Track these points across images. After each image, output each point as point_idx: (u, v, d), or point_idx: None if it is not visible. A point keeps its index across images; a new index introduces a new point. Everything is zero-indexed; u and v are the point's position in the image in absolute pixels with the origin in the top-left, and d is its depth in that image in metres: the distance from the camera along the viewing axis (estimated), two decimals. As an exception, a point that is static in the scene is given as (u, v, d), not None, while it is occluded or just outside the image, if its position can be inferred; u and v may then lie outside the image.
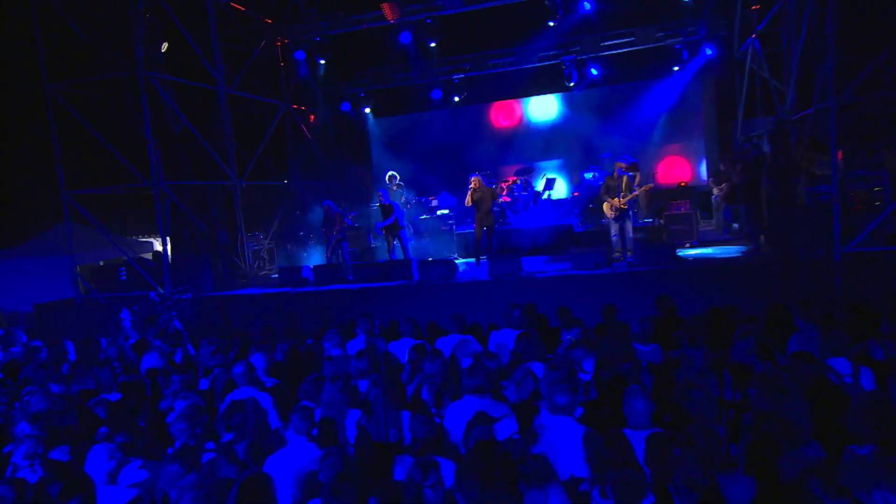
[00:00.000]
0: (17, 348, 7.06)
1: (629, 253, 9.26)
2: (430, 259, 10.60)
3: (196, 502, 2.66)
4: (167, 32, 10.71)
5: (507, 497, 2.55)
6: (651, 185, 11.68)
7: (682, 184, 13.89)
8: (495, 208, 11.17)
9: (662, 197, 12.65)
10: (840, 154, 8.52)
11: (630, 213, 9.57)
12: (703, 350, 4.41)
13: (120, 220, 11.04)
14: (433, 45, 12.98)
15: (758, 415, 3.17)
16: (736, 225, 11.04)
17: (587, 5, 11.84)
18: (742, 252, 9.10)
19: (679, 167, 14.69)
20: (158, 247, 15.39)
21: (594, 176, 13.15)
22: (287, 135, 14.04)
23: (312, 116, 15.07)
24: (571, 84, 14.27)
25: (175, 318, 6.93)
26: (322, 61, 13.79)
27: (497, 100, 15.73)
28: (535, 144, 15.36)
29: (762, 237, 9.10)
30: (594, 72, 14.02)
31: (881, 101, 8.40)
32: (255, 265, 12.32)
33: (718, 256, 9.10)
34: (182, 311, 7.62)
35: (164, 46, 10.48)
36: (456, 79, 14.85)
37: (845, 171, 8.62)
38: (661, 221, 11.05)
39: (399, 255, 10.77)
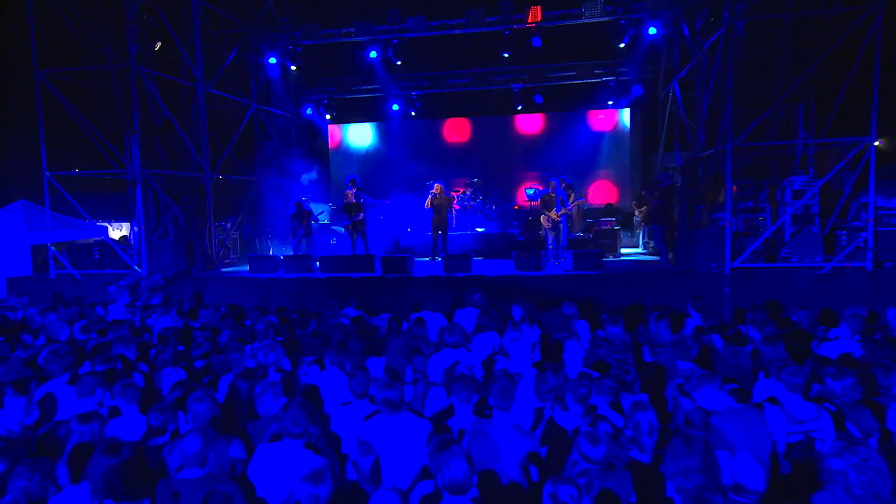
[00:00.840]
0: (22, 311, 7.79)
1: (562, 259, 10.86)
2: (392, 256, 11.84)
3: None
4: (157, 31, 11.51)
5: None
6: (583, 199, 13.38)
7: (610, 204, 15.75)
8: (454, 208, 12.55)
9: (592, 215, 14.44)
10: (735, 188, 10.46)
11: (563, 225, 11.19)
12: (622, 327, 5.91)
13: (83, 205, 11.63)
14: (398, 63, 14.28)
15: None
16: (652, 242, 12.90)
17: (536, 42, 13.50)
18: (654, 263, 10.89)
19: (607, 190, 16.57)
20: (115, 234, 15.84)
21: (534, 192, 14.77)
22: (254, 133, 14.93)
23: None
24: (518, 108, 15.94)
25: (155, 296, 7.89)
26: (292, 67, 14.81)
27: (450, 116, 17.15)
28: (483, 160, 16.89)
29: (671, 253, 10.93)
30: (539, 100, 15.74)
31: (769, 146, 10.37)
32: (220, 253, 13.16)
33: (635, 266, 10.84)
34: (160, 290, 8.56)
35: (158, 46, 11.28)
36: (415, 94, 16.20)
37: (738, 203, 10.56)
38: (591, 235, 12.79)
39: (361, 250, 11.97)
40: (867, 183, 9.11)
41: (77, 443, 3.25)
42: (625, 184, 16.48)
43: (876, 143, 9.10)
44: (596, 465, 3.01)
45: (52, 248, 11.38)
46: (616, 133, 16.40)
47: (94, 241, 12.32)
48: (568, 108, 16.31)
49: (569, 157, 16.03)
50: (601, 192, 16.58)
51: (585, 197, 15.83)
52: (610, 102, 15.63)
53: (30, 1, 10.68)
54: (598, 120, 16.41)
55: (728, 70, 9.42)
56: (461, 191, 14.80)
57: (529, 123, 16.83)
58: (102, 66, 10.86)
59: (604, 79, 15.28)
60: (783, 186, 10.23)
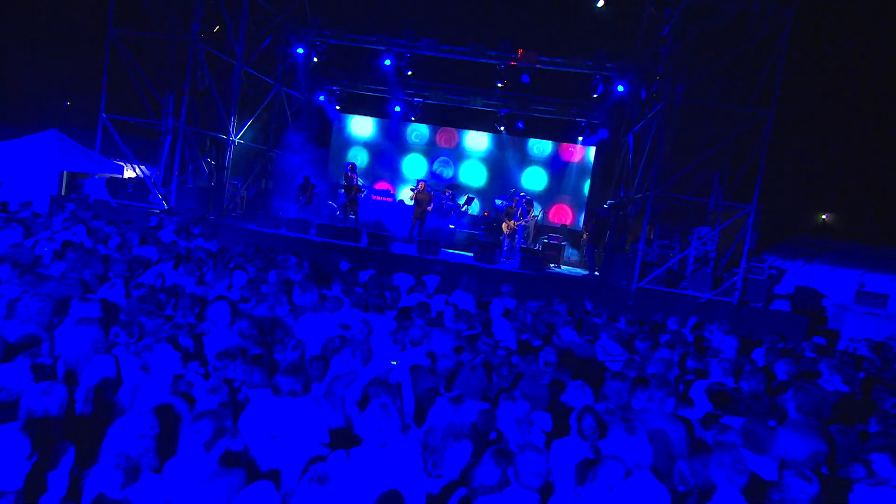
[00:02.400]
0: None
1: (512, 259, 13.45)
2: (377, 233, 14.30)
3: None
4: (213, 13, 13.75)
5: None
6: (537, 216, 16.00)
7: (564, 225, 18.41)
8: (428, 208, 15.03)
9: (547, 231, 17.09)
10: (656, 228, 13.21)
11: (519, 233, 13.79)
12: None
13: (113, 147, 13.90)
14: (408, 73, 16.72)
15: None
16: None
17: (524, 79, 16.11)
18: (583, 274, 13.57)
19: (565, 213, 19.23)
20: (128, 173, 17.92)
21: (501, 203, 17.36)
22: (273, 109, 17.18)
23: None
24: (501, 129, 18.54)
25: (195, 228, 10.19)
26: (315, 59, 17.13)
27: (444, 125, 19.60)
28: (465, 168, 19.40)
29: (597, 268, 13.63)
30: (520, 125, 18.36)
31: (687, 199, 13.14)
32: (230, 206, 15.41)
33: (568, 274, 13.51)
34: (197, 225, 10.88)
35: (217, 28, 13.54)
36: (416, 101, 18.65)
37: (658, 240, 13.30)
38: (540, 246, 15.44)
39: (352, 224, 14.38)
40: (770, 241, 11.96)
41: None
42: (580, 210, 19.16)
43: (823, 217, 12.00)
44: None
45: (98, 177, 13.50)
46: (581, 165, 19.08)
47: (130, 177, 14.46)
48: (544, 136, 18.94)
49: (538, 177, 18.66)
50: (560, 213, 19.21)
51: (546, 216, 18.47)
52: (580, 139, 18.30)
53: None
54: (568, 152, 19.06)
55: (660, 136, 12.15)
56: (446, 192, 17.30)
57: (509, 143, 19.39)
58: (168, 35, 13.06)
59: (577, 119, 17.95)
60: (693, 233, 13.03)
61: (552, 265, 14.72)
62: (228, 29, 14.09)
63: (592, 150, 18.88)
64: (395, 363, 4.52)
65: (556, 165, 19.06)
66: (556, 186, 19.13)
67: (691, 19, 12.10)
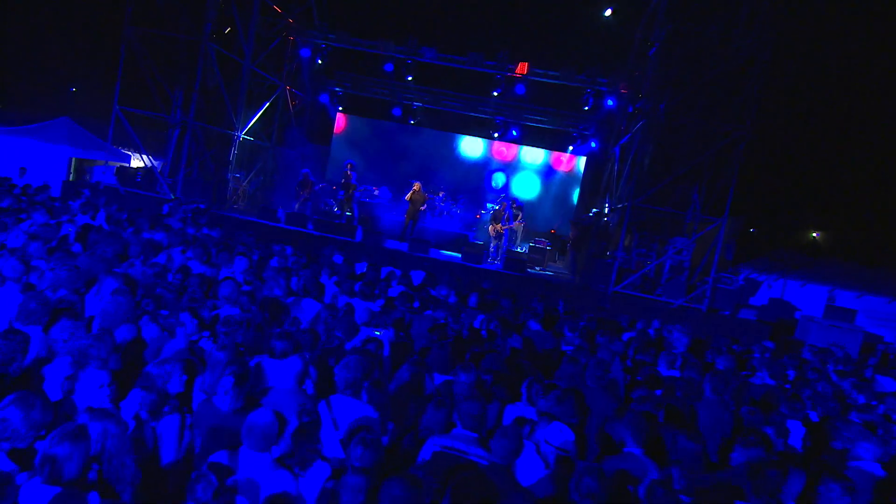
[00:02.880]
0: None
1: (498, 261, 14.19)
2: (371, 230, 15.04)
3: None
4: (223, 13, 14.48)
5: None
6: (523, 223, 16.74)
7: (552, 231, 19.17)
8: (422, 208, 15.75)
9: (534, 235, 17.82)
10: (636, 236, 13.98)
11: (506, 236, 14.53)
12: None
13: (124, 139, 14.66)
14: (408, 78, 17.47)
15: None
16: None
17: (519, 90, 16.88)
18: (564, 277, 14.32)
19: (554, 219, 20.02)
20: (135, 163, 18.63)
21: (491, 207, 18.09)
22: (277, 108, 17.91)
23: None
24: (496, 135, 19.29)
25: (201, 218, 10.91)
26: (319, 61, 17.86)
27: (441, 130, 20.34)
28: (461, 171, 20.14)
29: (577, 273, 14.38)
30: (514, 133, 19.13)
31: (666, 211, 13.91)
32: (232, 199, 16.13)
33: (549, 277, 14.27)
34: (204, 214, 11.60)
35: (227, 30, 14.27)
36: (415, 105, 19.39)
37: (637, 248, 14.06)
38: (527, 249, 16.19)
39: (347, 220, 15.10)
40: (749, 253, 12.72)
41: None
42: (568, 216, 19.90)
43: (813, 235, 12.82)
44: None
45: (109, 165, 14.21)
46: (571, 174, 19.84)
47: (138, 167, 15.17)
48: (537, 144, 19.70)
49: (529, 183, 19.42)
50: (549, 219, 19.98)
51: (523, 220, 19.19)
52: (570, 149, 19.09)
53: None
54: (560, 161, 19.83)
55: (641, 150, 12.91)
56: (439, 194, 18.04)
57: (505, 150, 20.17)
58: (181, 34, 13.78)
59: (569, 129, 18.72)
60: (669, 243, 13.79)
61: (538, 268, 15.47)
62: (238, 30, 14.82)
63: (583, 161, 19.64)
64: (378, 333, 5.24)
65: (547, 172, 19.82)
66: (547, 193, 19.89)
67: (676, 41, 12.88)
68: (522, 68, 16.49)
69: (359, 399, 3.73)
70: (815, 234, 33.38)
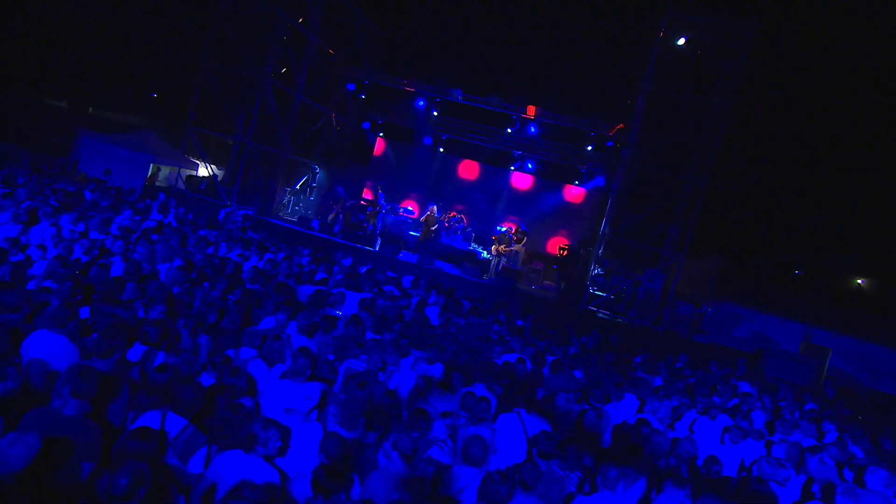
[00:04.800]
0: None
1: (493, 276, 16.51)
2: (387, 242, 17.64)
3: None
4: (282, 54, 17.49)
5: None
6: (523, 247, 18.99)
7: (554, 255, 21.30)
8: (432, 230, 18.24)
9: (543, 259, 20.05)
10: (617, 264, 16.08)
11: (505, 256, 16.85)
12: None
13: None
14: (435, 113, 20.10)
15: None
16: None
17: (531, 129, 19.26)
18: (549, 295, 16.54)
19: (560, 244, 22.13)
20: (202, 171, 21.86)
21: (501, 230, 20.43)
22: (322, 132, 20.84)
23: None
24: (513, 168, 21.67)
25: (249, 221, 13.70)
26: (362, 95, 20.72)
27: (466, 159, 22.86)
28: (482, 197, 22.56)
29: (560, 291, 16.57)
30: (530, 165, 21.47)
31: (640, 245, 15.97)
32: (277, 207, 19.03)
33: (535, 293, 16.51)
34: (252, 219, 14.42)
35: (283, 70, 17.27)
36: (443, 136, 22.00)
37: (615, 275, 16.15)
38: (525, 270, 18.45)
39: (370, 231, 17.75)
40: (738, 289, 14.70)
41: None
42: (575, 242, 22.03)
43: (858, 281, 14.79)
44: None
45: (181, 171, 17.35)
46: (581, 206, 21.99)
47: (204, 175, 18.27)
48: (551, 178, 21.96)
49: (545, 212, 21.71)
50: (557, 244, 22.13)
51: (545, 246, 21.42)
52: (576, 182, 21.28)
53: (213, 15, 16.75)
54: (571, 193, 22.01)
55: (620, 190, 15.08)
56: (453, 214, 20.51)
57: (521, 181, 22.50)
58: (245, 71, 16.82)
59: (578, 165, 20.93)
60: (645, 272, 15.83)
61: (533, 286, 17.70)
62: (293, 68, 17.79)
63: (590, 193, 21.77)
64: (339, 314, 7.73)
65: (558, 203, 22.04)
66: (558, 221, 22.09)
67: (655, 101, 15.05)
68: (531, 111, 18.87)
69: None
70: (859, 281, 33.83)
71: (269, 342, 5.27)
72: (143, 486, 2.79)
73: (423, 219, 17.35)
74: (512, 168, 21.63)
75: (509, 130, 19.70)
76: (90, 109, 31.31)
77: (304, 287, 8.85)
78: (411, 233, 19.07)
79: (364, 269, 11.30)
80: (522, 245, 18.05)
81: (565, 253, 16.95)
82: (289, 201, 19.95)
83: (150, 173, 20.52)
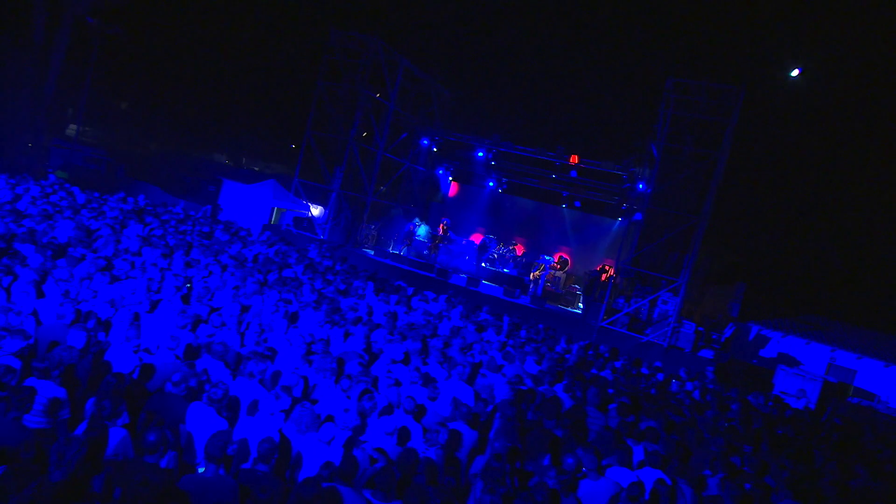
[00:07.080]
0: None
1: (528, 295, 19.86)
2: (443, 269, 21.56)
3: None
4: (365, 120, 22.19)
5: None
6: (563, 274, 22.11)
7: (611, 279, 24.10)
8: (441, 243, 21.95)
9: (575, 283, 23.03)
10: (638, 287, 18.93)
11: (542, 281, 20.16)
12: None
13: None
14: (493, 163, 23.97)
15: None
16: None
17: (573, 174, 22.58)
18: (576, 313, 19.65)
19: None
20: (314, 211, 27.02)
21: (544, 258, 23.73)
22: (402, 180, 25.32)
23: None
24: (563, 206, 24.96)
25: (327, 257, 18.16)
26: (434, 149, 25.06)
27: (522, 196, 26.42)
28: (536, 229, 25.96)
29: (584, 310, 19.61)
30: (576, 203, 24.66)
31: (657, 273, 18.70)
32: (363, 241, 23.60)
33: (561, 311, 19.66)
34: (338, 249, 18.92)
35: (364, 134, 21.98)
36: (504, 180, 25.75)
37: (634, 297, 18.96)
38: (563, 293, 21.63)
39: (433, 261, 21.79)
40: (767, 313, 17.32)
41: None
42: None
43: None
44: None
45: (290, 213, 22.43)
46: (620, 237, 24.72)
47: (309, 216, 23.29)
48: (594, 212, 24.98)
49: (589, 243, 24.77)
50: (605, 271, 24.95)
51: (596, 271, 24.30)
52: (619, 218, 24.14)
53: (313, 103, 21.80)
54: (612, 225, 24.86)
55: (638, 225, 18.06)
56: (513, 246, 24.08)
57: (568, 215, 25.66)
58: (338, 135, 21.64)
59: (617, 201, 23.83)
60: (659, 296, 18.56)
61: (569, 308, 20.83)
62: (375, 131, 22.44)
63: (627, 227, 24.49)
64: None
65: (602, 233, 24.99)
66: (602, 249, 25.00)
67: (667, 154, 18.00)
68: (574, 159, 22.19)
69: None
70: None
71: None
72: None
73: (433, 233, 21.20)
74: (564, 206, 24.93)
75: (553, 177, 23.11)
76: (244, 160, 38.65)
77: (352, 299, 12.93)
78: (466, 258, 22.94)
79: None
80: (564, 271, 21.31)
81: (604, 277, 20.00)
82: (374, 235, 24.51)
83: (273, 215, 25.98)
